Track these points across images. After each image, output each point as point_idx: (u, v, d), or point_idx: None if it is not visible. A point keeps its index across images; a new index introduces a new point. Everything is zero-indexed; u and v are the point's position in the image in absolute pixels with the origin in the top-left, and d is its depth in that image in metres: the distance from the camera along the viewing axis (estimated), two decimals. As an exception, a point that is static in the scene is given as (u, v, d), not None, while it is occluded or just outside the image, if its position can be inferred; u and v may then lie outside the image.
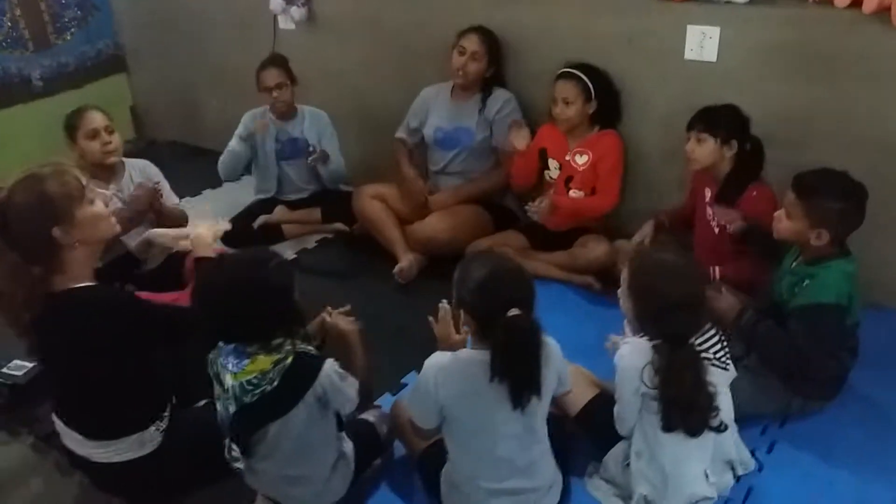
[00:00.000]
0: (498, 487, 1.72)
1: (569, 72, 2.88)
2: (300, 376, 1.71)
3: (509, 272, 1.67)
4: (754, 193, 2.49)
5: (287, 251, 3.32)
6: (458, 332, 1.83)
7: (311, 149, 3.33)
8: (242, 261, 1.77)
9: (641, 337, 1.78)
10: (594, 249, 2.83)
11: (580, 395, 1.99)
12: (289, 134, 3.46)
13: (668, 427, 1.74)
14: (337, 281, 3.18)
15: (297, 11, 3.74)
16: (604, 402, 1.93)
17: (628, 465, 1.86)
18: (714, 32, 2.67)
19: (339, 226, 3.50)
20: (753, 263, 2.54)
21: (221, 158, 3.43)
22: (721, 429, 1.75)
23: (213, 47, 4.37)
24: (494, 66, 3.13)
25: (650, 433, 1.79)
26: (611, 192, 2.94)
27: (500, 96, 3.13)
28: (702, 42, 2.70)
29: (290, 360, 1.70)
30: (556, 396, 1.81)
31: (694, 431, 1.72)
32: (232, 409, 1.72)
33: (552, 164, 3.04)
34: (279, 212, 3.49)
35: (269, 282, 1.69)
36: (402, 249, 3.11)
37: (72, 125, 2.66)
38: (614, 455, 1.90)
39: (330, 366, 1.74)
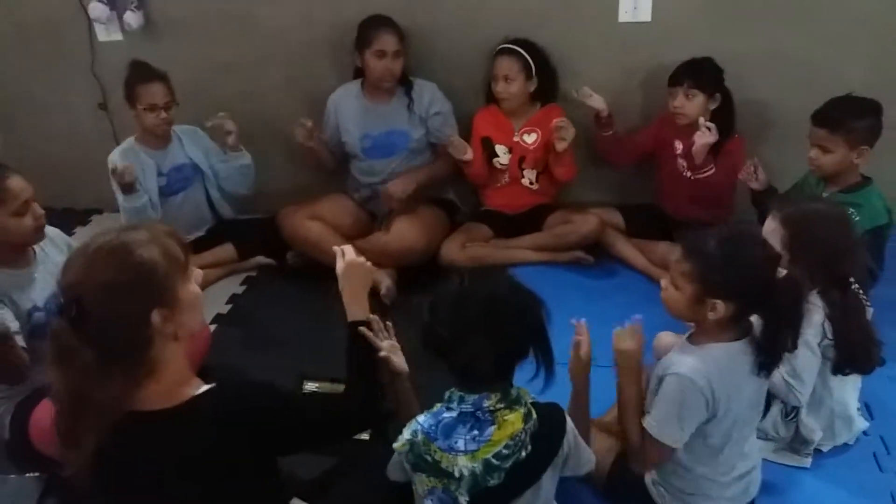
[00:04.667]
0: (731, 477, 1.64)
1: (508, 48, 2.78)
2: (552, 430, 1.45)
3: (756, 238, 1.57)
4: (733, 144, 2.65)
5: (213, 302, 2.79)
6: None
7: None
8: (493, 274, 1.50)
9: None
10: (585, 224, 2.79)
11: (600, 458, 1.70)
12: (171, 163, 2.88)
13: (842, 370, 1.79)
14: (301, 319, 2.72)
15: (133, 17, 3.08)
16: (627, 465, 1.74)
17: (791, 418, 1.89)
18: (647, -9, 2.76)
19: (261, 259, 3.01)
20: (716, 211, 2.74)
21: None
22: (882, 363, 1.85)
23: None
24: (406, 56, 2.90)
25: (818, 382, 1.84)
26: (573, 163, 2.91)
27: (425, 89, 2.92)
28: (635, 3, 2.77)
29: (534, 413, 1.42)
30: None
31: (869, 369, 1.80)
32: (464, 501, 1.40)
33: (500, 150, 2.92)
34: (180, 259, 2.89)
35: (530, 294, 1.42)
36: (368, 268, 2.78)
37: None
38: (771, 416, 1.91)
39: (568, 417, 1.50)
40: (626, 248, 2.80)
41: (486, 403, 1.39)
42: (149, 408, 1.28)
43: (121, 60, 2.98)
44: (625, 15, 2.80)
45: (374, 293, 2.71)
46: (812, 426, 1.87)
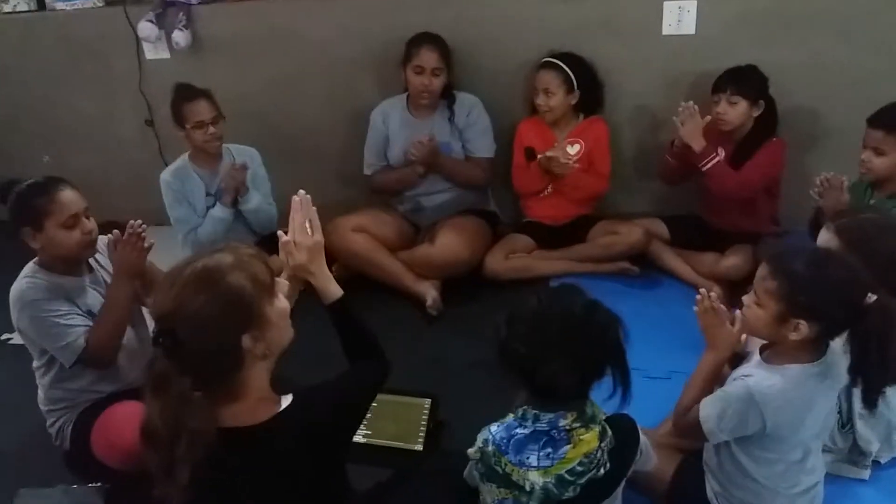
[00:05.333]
0: (796, 491, 1.63)
1: (550, 61, 2.81)
2: (627, 445, 1.45)
3: (847, 259, 1.54)
4: (771, 145, 2.64)
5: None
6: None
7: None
8: (571, 291, 1.45)
9: None
10: (631, 234, 2.79)
11: (659, 472, 1.71)
12: (219, 183, 2.90)
13: None
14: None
15: (181, 35, 3.15)
16: (695, 469, 1.73)
17: (848, 430, 1.88)
18: (691, 6, 2.77)
19: (307, 273, 3.04)
20: (761, 221, 2.75)
21: (207, 231, 2.81)
22: None
23: (37, 91, 3.54)
24: (450, 71, 2.92)
25: (873, 392, 1.82)
26: (605, 175, 2.92)
27: (466, 102, 2.95)
28: (679, 16, 2.79)
29: (610, 431, 1.42)
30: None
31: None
32: None
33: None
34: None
35: (608, 312, 1.40)
36: (413, 280, 2.81)
37: (37, 210, 1.94)
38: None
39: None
40: (672, 259, 2.80)
41: (563, 423, 1.38)
42: (234, 424, 1.31)
43: (167, 78, 3.04)
44: (668, 28, 2.82)
45: (419, 305, 2.77)
46: (869, 437, 1.85)
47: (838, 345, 1.57)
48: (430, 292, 2.74)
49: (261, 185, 2.96)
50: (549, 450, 1.38)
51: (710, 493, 1.70)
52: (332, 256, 2.94)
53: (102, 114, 3.50)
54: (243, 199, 2.84)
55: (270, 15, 3.13)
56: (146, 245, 2.05)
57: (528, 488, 1.39)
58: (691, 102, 2.61)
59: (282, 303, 1.37)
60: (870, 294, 1.43)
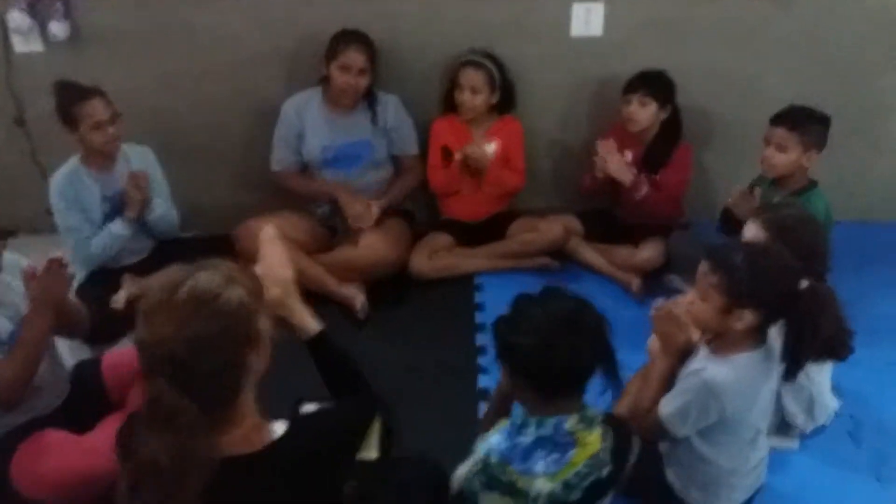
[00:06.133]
0: (749, 467, 1.75)
1: (475, 60, 2.81)
2: (625, 443, 1.48)
3: (780, 250, 1.65)
4: (681, 151, 2.81)
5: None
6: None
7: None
8: (553, 291, 1.44)
9: None
10: (551, 231, 2.85)
11: None
12: (115, 186, 2.67)
13: (821, 356, 1.93)
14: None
15: (59, 27, 2.85)
16: (654, 456, 1.83)
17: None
18: (599, 8, 2.86)
19: (215, 279, 2.87)
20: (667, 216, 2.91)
21: (102, 245, 2.63)
22: (853, 351, 2.01)
23: None
24: (373, 72, 2.85)
25: (798, 369, 1.98)
26: (521, 171, 2.98)
27: (389, 103, 2.90)
28: (587, 18, 2.88)
29: (611, 431, 1.44)
30: None
31: (846, 355, 1.96)
32: None
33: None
34: (130, 282, 2.69)
35: (593, 308, 1.41)
36: (336, 284, 2.72)
37: None
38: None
39: None
40: (589, 253, 2.90)
41: (566, 426, 1.39)
42: (231, 453, 1.21)
43: (41, 73, 2.77)
44: (577, 29, 2.90)
45: (345, 309, 2.69)
46: (794, 410, 2.03)
47: (774, 330, 1.71)
48: (357, 296, 2.67)
49: (160, 188, 2.77)
50: (557, 455, 1.39)
51: (671, 476, 1.78)
52: (244, 263, 2.81)
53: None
54: (149, 210, 2.66)
55: (162, 6, 2.89)
56: (70, 273, 1.87)
57: (533, 495, 1.39)
58: (611, 140, 2.72)
59: (267, 321, 1.29)
60: (802, 280, 1.56)
